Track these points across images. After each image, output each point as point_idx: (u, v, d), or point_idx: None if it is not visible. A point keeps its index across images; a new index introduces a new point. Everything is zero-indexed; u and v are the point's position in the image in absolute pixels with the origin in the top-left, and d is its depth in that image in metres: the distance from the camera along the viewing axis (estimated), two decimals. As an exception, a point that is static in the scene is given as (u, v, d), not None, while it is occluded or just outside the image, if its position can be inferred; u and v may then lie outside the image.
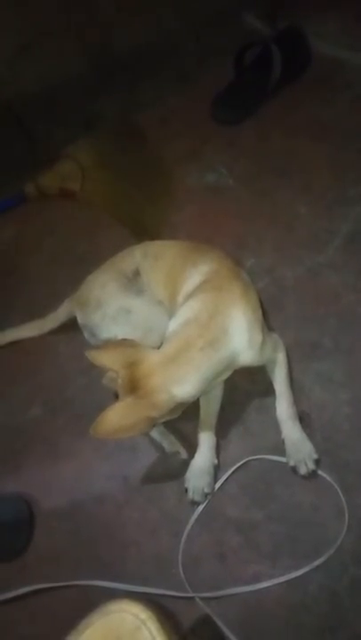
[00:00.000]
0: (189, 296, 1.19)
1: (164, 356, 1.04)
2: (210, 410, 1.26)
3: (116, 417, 1.00)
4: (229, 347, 1.09)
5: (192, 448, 1.26)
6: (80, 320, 1.37)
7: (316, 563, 1.10)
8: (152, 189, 1.75)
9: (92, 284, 1.38)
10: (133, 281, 1.35)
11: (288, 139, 1.77)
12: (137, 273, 1.37)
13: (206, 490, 1.19)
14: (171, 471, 1.25)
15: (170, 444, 1.24)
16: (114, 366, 1.04)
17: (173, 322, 1.15)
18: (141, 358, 1.03)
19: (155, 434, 1.27)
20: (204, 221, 1.63)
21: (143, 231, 1.59)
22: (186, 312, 1.13)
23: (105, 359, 1.06)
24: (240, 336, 1.12)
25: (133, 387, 1.01)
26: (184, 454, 1.23)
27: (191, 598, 1.11)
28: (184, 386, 1.02)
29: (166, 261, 1.35)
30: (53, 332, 1.45)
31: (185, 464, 1.24)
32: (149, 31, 1.98)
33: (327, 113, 1.81)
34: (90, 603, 0.80)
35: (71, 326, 1.41)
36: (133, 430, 1.00)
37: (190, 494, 1.19)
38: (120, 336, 1.29)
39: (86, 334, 1.36)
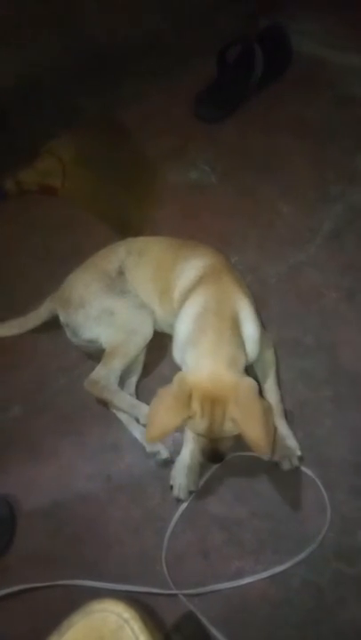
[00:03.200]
0: (188, 291, 1.20)
1: (212, 355, 1.03)
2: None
3: (256, 431, 0.97)
4: (243, 330, 1.12)
5: (176, 445, 1.26)
6: (62, 319, 1.35)
7: (299, 558, 1.11)
8: (135, 186, 1.74)
9: (74, 283, 1.36)
10: (117, 281, 1.35)
11: (270, 137, 1.78)
12: (120, 272, 1.36)
13: (191, 487, 1.19)
14: (154, 470, 1.25)
15: (150, 444, 1.24)
16: (174, 421, 0.99)
17: (181, 321, 1.15)
18: (197, 383, 1.00)
19: (137, 434, 1.27)
20: (187, 218, 1.63)
21: (126, 228, 1.58)
22: (193, 308, 1.14)
23: (163, 426, 1.00)
24: (249, 322, 1.15)
25: (216, 399, 0.99)
26: (165, 454, 1.23)
27: (175, 595, 1.10)
28: (240, 358, 1.06)
29: (153, 257, 1.35)
30: (35, 331, 1.43)
31: (168, 462, 1.23)
32: (132, 28, 1.97)
33: (309, 111, 1.82)
34: (73, 602, 0.79)
35: (53, 324, 1.39)
36: (265, 419, 0.98)
37: (176, 492, 1.19)
38: (102, 337, 1.28)
39: (69, 333, 1.35)
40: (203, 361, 1.04)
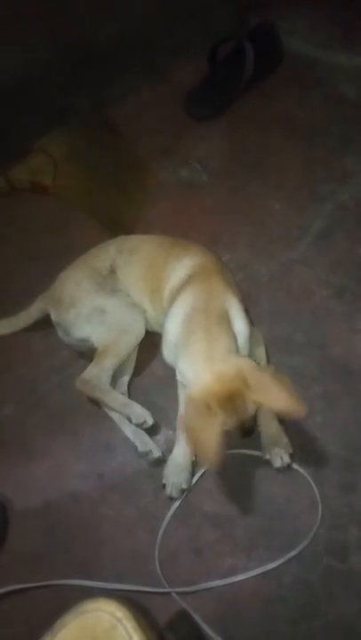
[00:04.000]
0: (178, 290, 1.20)
1: (205, 357, 1.03)
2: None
3: (281, 399, 0.98)
4: (233, 327, 1.13)
5: (168, 444, 1.27)
6: (54, 318, 1.35)
7: (291, 554, 1.12)
8: (126, 184, 1.74)
9: (65, 282, 1.36)
10: (108, 279, 1.34)
11: (261, 135, 1.78)
12: (112, 271, 1.36)
13: (184, 486, 1.19)
14: (146, 468, 1.25)
15: (142, 443, 1.24)
16: (218, 433, 0.97)
17: (171, 321, 1.16)
18: (204, 389, 1.00)
19: (128, 433, 1.27)
20: (178, 217, 1.63)
21: (117, 226, 1.58)
22: (181, 307, 1.15)
23: (214, 445, 0.97)
24: (238, 320, 1.15)
25: (231, 394, 0.99)
26: (156, 453, 1.23)
27: (168, 593, 1.11)
28: (232, 345, 1.07)
29: (144, 255, 1.35)
30: (26, 330, 1.42)
31: (160, 461, 1.24)
32: (122, 24, 1.96)
33: (299, 110, 1.83)
34: (66, 602, 0.79)
35: (44, 323, 1.38)
36: (280, 384, 0.99)
37: (168, 490, 1.19)
38: (94, 336, 1.28)
39: (60, 332, 1.34)
40: (199, 367, 1.04)
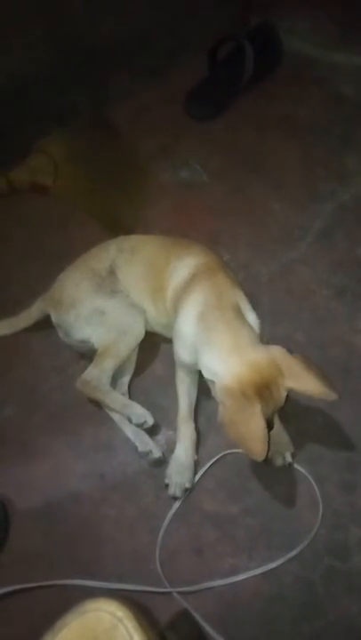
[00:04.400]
0: (183, 290, 1.20)
1: (233, 349, 1.04)
2: (188, 404, 1.26)
3: (314, 384, 1.02)
4: (248, 317, 1.15)
5: (169, 443, 1.27)
6: (54, 319, 1.35)
7: (292, 554, 1.12)
8: (126, 184, 1.74)
9: (65, 283, 1.36)
10: (107, 280, 1.34)
11: (261, 135, 1.79)
12: (111, 271, 1.36)
13: (187, 485, 1.19)
14: (147, 468, 1.25)
15: (142, 443, 1.24)
16: (261, 423, 0.99)
17: (185, 323, 1.15)
18: (236, 381, 1.01)
19: (129, 433, 1.27)
20: (178, 217, 1.63)
21: (117, 226, 1.58)
22: (194, 308, 1.15)
23: (259, 434, 0.98)
24: (250, 313, 1.17)
25: (267, 382, 1.00)
26: (157, 453, 1.23)
27: (169, 593, 1.11)
28: (255, 335, 1.09)
29: (145, 255, 1.35)
30: (27, 330, 1.42)
31: (160, 461, 1.24)
32: (121, 25, 1.96)
33: (299, 110, 1.83)
34: (67, 602, 0.79)
35: (45, 323, 1.39)
36: (311, 369, 1.03)
37: (172, 490, 1.19)
38: (94, 337, 1.28)
39: (61, 334, 1.35)
40: (231, 357, 1.03)
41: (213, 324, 1.10)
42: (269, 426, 1.06)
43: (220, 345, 1.06)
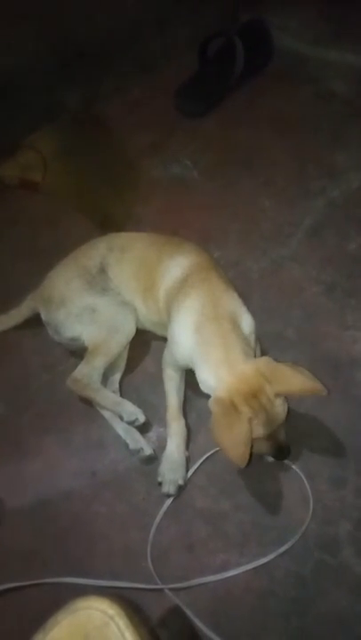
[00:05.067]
0: (176, 291, 1.21)
1: (225, 363, 1.07)
2: (177, 401, 1.26)
3: (301, 382, 1.06)
4: (242, 321, 1.17)
5: (160, 441, 1.27)
6: (44, 317, 1.34)
7: (282, 549, 1.12)
8: (116, 181, 1.73)
9: (55, 281, 1.35)
10: (98, 278, 1.34)
11: (251, 131, 1.78)
12: (102, 269, 1.35)
13: (180, 482, 1.20)
14: (139, 466, 1.25)
15: (133, 441, 1.24)
16: (245, 430, 1.02)
17: (181, 331, 1.17)
18: (230, 390, 1.04)
19: (120, 431, 1.27)
20: (169, 214, 1.63)
21: (107, 223, 1.57)
22: (190, 316, 1.16)
23: (241, 442, 1.02)
24: (245, 315, 1.19)
25: (255, 391, 1.04)
26: (148, 451, 1.23)
27: (161, 590, 1.11)
28: (248, 349, 1.12)
29: (136, 254, 1.34)
30: (17, 328, 1.41)
31: (151, 459, 1.24)
32: (111, 20, 1.95)
33: (289, 106, 1.83)
34: (59, 600, 0.79)
35: (35, 321, 1.38)
36: (297, 371, 1.07)
37: (166, 488, 1.19)
38: (84, 335, 1.28)
39: (51, 331, 1.34)
40: (222, 370, 1.07)
41: (209, 337, 1.12)
42: (280, 446, 1.10)
43: (214, 360, 1.10)
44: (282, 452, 1.11)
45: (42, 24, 1.85)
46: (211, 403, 1.07)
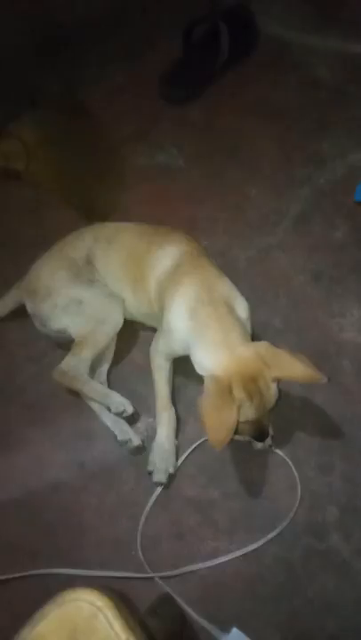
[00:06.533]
0: (169, 281, 1.20)
1: (224, 345, 1.07)
2: (167, 390, 1.26)
3: (299, 368, 1.06)
4: (238, 305, 1.17)
5: (149, 431, 1.27)
6: (29, 309, 1.32)
7: (271, 535, 1.14)
8: (101, 169, 1.71)
9: (40, 272, 1.33)
10: (84, 269, 1.32)
11: (237, 118, 1.77)
12: (88, 261, 1.34)
13: (170, 470, 1.20)
14: (127, 456, 1.25)
15: (121, 432, 1.24)
16: (232, 415, 1.02)
17: (176, 318, 1.16)
18: (225, 374, 1.04)
19: (108, 422, 1.26)
20: (155, 203, 1.61)
21: (92, 213, 1.55)
22: (185, 302, 1.15)
23: (225, 425, 1.02)
24: (239, 299, 1.19)
25: (254, 375, 1.04)
26: (136, 442, 1.23)
27: (151, 578, 1.12)
28: (246, 332, 1.13)
29: (123, 244, 1.33)
30: (1, 319, 1.39)
31: (140, 449, 1.24)
32: (94, 6, 1.91)
33: (275, 93, 1.82)
34: (49, 592, 0.79)
35: (21, 313, 1.36)
36: (295, 357, 1.07)
37: (156, 476, 1.19)
38: (71, 327, 1.26)
39: (37, 323, 1.32)
40: (221, 352, 1.07)
41: (206, 320, 1.11)
42: (263, 430, 1.10)
43: (213, 342, 1.09)
44: (262, 434, 1.12)
45: (23, 10, 1.81)
46: (207, 379, 1.06)
